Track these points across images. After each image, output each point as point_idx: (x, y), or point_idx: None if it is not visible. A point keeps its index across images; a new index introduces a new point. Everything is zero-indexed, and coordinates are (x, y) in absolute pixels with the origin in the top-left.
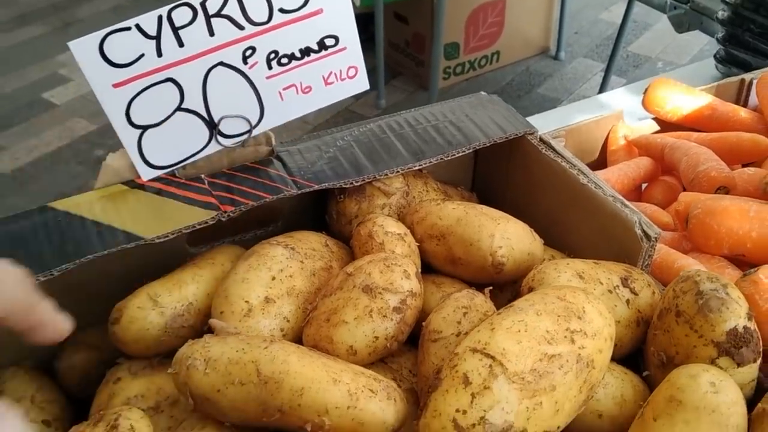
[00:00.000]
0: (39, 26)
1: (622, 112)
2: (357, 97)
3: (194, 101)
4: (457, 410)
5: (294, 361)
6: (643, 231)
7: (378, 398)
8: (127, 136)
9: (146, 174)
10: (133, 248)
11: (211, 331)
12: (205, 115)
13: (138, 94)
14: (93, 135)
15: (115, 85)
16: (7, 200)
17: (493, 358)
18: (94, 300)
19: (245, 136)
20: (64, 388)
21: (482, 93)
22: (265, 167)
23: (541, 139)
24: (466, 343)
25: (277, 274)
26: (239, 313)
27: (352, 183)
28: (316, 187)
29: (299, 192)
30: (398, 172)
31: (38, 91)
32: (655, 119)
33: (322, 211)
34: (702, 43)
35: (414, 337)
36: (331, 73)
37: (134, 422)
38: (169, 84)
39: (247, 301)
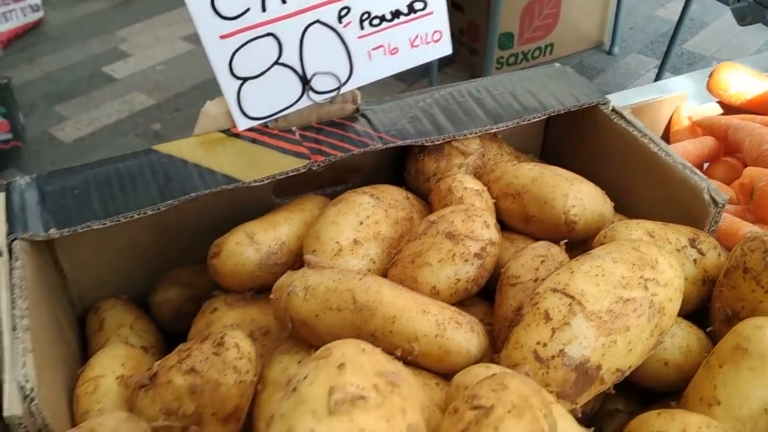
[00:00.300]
0: (101, 1)
1: (687, 94)
2: (409, 83)
3: (291, 56)
4: (538, 343)
5: (386, 292)
6: (711, 197)
7: (463, 330)
8: (228, 86)
9: (242, 124)
10: (224, 194)
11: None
12: (299, 70)
13: (241, 46)
14: (151, 109)
15: (222, 37)
16: None
17: (572, 297)
18: (186, 241)
19: (334, 93)
20: (156, 321)
21: (557, 64)
22: (351, 123)
23: (613, 110)
24: (546, 284)
25: (364, 219)
26: (330, 252)
27: (432, 141)
28: (400, 143)
29: (384, 147)
30: (476, 133)
31: (99, 65)
32: (719, 103)
33: (398, 170)
34: (759, 44)
35: (485, 290)
36: (417, 36)
37: (239, 341)
38: (270, 38)
39: (337, 242)
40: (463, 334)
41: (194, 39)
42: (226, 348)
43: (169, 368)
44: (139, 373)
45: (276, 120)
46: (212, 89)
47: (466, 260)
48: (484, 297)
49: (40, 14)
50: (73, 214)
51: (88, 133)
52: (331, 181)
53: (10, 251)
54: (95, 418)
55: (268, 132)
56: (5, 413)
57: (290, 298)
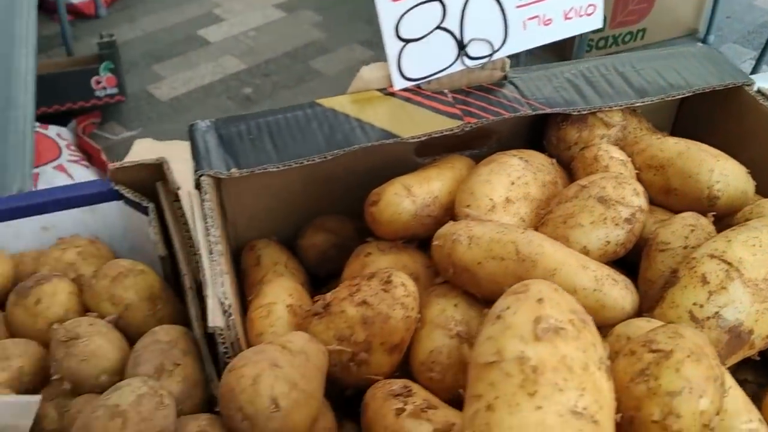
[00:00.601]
0: None
1: None
2: None
3: (453, 21)
4: (694, 304)
5: (548, 246)
6: None
7: (619, 287)
8: (392, 47)
9: (399, 84)
10: (368, 149)
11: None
12: (458, 35)
13: (409, 9)
14: (242, 73)
15: (394, 0)
16: (165, 125)
17: (729, 264)
18: (333, 191)
19: (486, 60)
20: (302, 263)
21: (699, 44)
22: (500, 89)
23: (758, 91)
24: (702, 250)
25: (515, 180)
26: (484, 208)
27: (579, 111)
28: (549, 110)
29: (533, 113)
30: (621, 106)
31: (194, 28)
32: None
33: (533, 136)
34: None
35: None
36: (572, 8)
37: (404, 280)
38: (437, 3)
39: (491, 199)
40: (619, 290)
41: (285, 7)
42: (394, 286)
43: (342, 300)
44: (301, 303)
45: (429, 82)
46: (300, 56)
47: (616, 224)
48: None
49: None
50: (250, 157)
51: (183, 93)
52: (466, 144)
53: (198, 185)
54: (284, 336)
55: (422, 93)
56: (209, 324)
57: (454, 246)
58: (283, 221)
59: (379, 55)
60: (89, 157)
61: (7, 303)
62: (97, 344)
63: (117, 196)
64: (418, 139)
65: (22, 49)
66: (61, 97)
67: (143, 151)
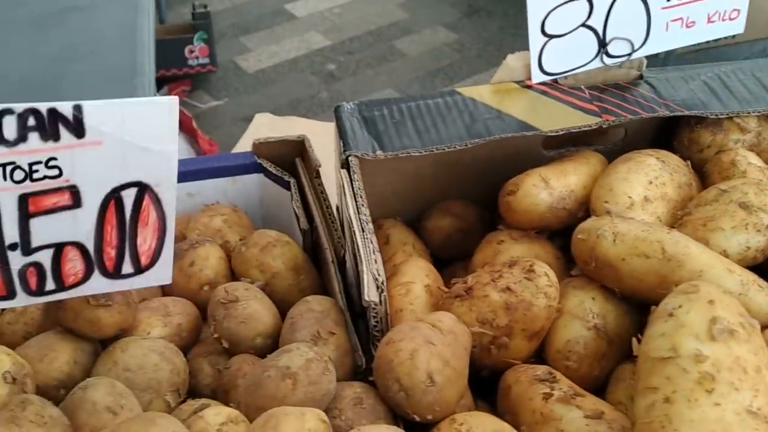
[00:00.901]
0: None
1: None
2: None
3: (598, 20)
4: None
5: (693, 247)
6: None
7: (764, 293)
8: (535, 41)
9: (537, 77)
10: (500, 140)
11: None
12: (600, 33)
13: (558, 6)
14: (327, 50)
15: None
16: (250, 97)
17: None
18: (460, 177)
19: (625, 58)
20: (426, 245)
21: None
22: (636, 88)
23: None
24: None
25: (653, 179)
26: (622, 205)
27: (717, 115)
28: (686, 112)
29: (671, 114)
30: (760, 112)
31: (281, 2)
32: None
33: (658, 136)
34: None
35: None
36: (716, 12)
37: (547, 270)
38: (584, 2)
39: (629, 197)
40: (764, 296)
41: None
42: (538, 275)
43: (484, 284)
44: (437, 284)
45: (566, 77)
46: (384, 36)
47: (758, 230)
48: None
49: None
50: (394, 140)
51: (269, 65)
52: (591, 140)
53: (347, 165)
54: (433, 314)
55: (559, 87)
56: (365, 298)
57: (599, 241)
58: (409, 203)
59: (463, 40)
60: (180, 123)
61: None
62: (254, 308)
63: (259, 168)
64: (557, 133)
65: (145, 18)
66: (157, 65)
67: (263, 124)
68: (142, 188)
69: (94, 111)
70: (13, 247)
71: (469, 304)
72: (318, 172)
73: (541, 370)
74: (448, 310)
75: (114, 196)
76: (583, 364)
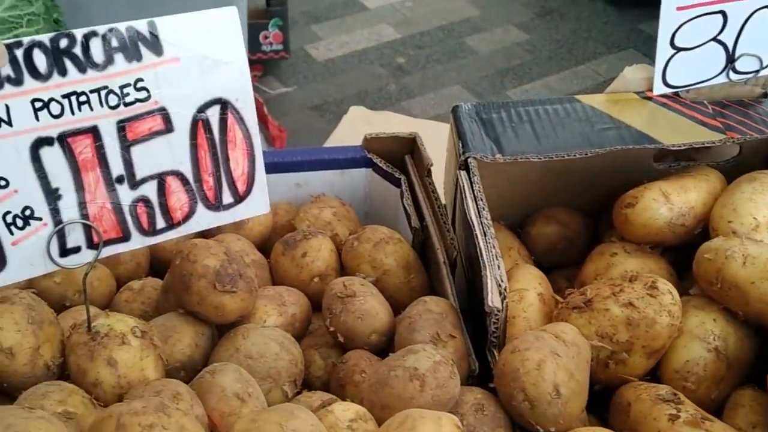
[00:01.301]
0: None
1: None
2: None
3: (730, 35)
4: None
5: None
6: None
7: None
8: (663, 54)
9: (659, 89)
10: (612, 152)
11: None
12: (730, 48)
13: (691, 19)
14: (397, 42)
15: (679, 8)
16: (318, 85)
17: None
18: (568, 185)
19: (752, 75)
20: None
21: None
22: (760, 106)
23: None
24: None
25: None
26: (747, 226)
27: None
28: None
29: None
30: None
31: None
32: None
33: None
34: None
35: None
36: None
37: (670, 288)
38: (718, 16)
39: (754, 218)
40: None
41: None
42: (661, 292)
43: (605, 297)
44: (549, 293)
45: (687, 91)
46: (455, 32)
47: None
48: None
49: None
50: (512, 144)
51: (338, 55)
52: (704, 155)
53: (466, 167)
54: (555, 325)
55: (681, 101)
56: (489, 303)
57: (727, 262)
58: (512, 207)
59: (534, 41)
60: None
61: (273, 251)
62: (371, 304)
63: (368, 163)
64: (680, 148)
65: (241, 2)
66: None
67: (357, 117)
68: (224, 106)
69: (166, 26)
70: (120, 180)
71: (589, 317)
72: (429, 171)
73: (663, 389)
74: (564, 321)
75: (200, 118)
76: (702, 387)
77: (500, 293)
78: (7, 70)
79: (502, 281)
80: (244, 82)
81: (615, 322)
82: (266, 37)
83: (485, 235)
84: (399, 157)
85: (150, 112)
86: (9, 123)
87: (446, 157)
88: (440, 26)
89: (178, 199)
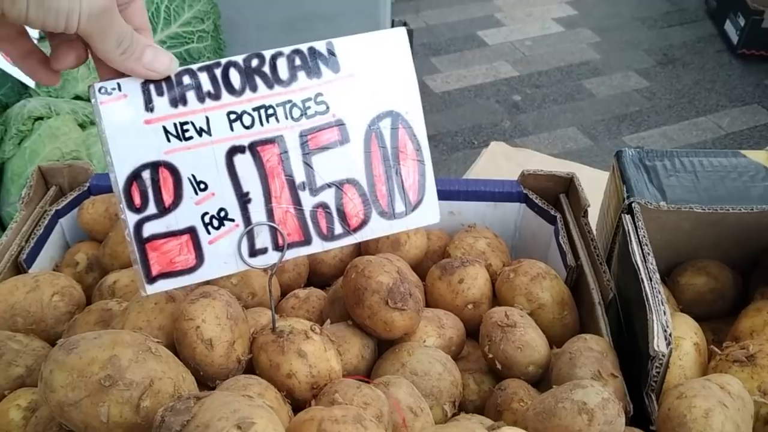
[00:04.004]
0: None
1: None
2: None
3: None
4: None
5: None
6: None
7: None
8: None
9: None
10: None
11: None
12: None
13: None
14: (514, 80)
15: None
16: (433, 116)
17: None
18: (720, 237)
19: None
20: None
21: None
22: None
23: None
24: None
25: None
26: None
27: None
28: None
29: None
30: None
31: (474, 28)
32: None
33: None
34: None
35: None
36: None
37: None
38: None
39: None
40: None
41: (565, 22)
42: None
43: None
44: (704, 343)
45: None
46: (574, 74)
47: None
48: None
49: None
50: (676, 193)
51: (455, 88)
52: None
53: (630, 211)
54: (719, 376)
55: None
56: (654, 347)
57: None
58: (660, 254)
59: (654, 88)
60: None
61: (429, 275)
62: (531, 336)
63: (522, 198)
64: None
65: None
66: None
67: (497, 152)
68: (395, 118)
69: (342, 46)
70: (302, 186)
71: (751, 372)
72: (586, 212)
73: None
74: (723, 373)
75: (374, 130)
76: None
77: (665, 338)
78: (208, 87)
79: (667, 327)
80: (413, 96)
81: None
82: None
83: (651, 280)
84: (553, 195)
85: (328, 124)
86: (209, 132)
87: (603, 200)
88: (559, 67)
89: (354, 206)
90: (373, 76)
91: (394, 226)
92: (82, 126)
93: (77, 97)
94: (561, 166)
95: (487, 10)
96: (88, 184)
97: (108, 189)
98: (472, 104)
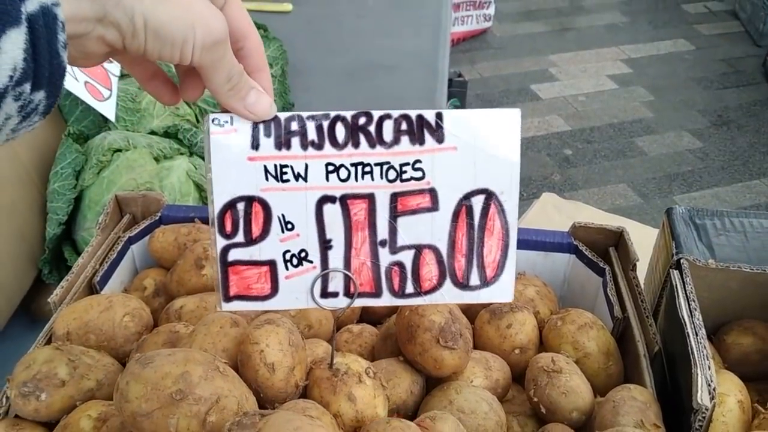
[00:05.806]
0: (541, 24)
1: None
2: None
3: None
4: None
5: None
6: None
7: None
8: None
9: None
10: None
11: None
12: None
13: None
14: (565, 135)
15: None
16: None
17: None
18: (765, 300)
19: None
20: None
21: None
22: None
23: None
24: None
25: None
26: None
27: None
28: None
29: None
30: None
31: (528, 82)
32: None
33: None
34: None
35: None
36: None
37: None
38: None
39: None
40: None
41: (619, 79)
42: None
43: None
44: (748, 401)
45: None
46: (626, 131)
47: None
48: None
49: (489, 24)
50: (725, 251)
51: None
52: None
53: (679, 267)
54: None
55: None
56: (698, 401)
57: None
58: (706, 313)
59: (707, 149)
60: None
61: (478, 318)
62: (576, 383)
63: (573, 250)
64: None
65: (443, 83)
66: None
67: (548, 203)
68: (489, 196)
69: (451, 118)
70: (383, 243)
71: None
72: (635, 266)
73: None
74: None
75: (465, 203)
76: None
77: (709, 392)
78: (313, 136)
79: (711, 381)
80: (512, 178)
81: None
82: None
83: (696, 335)
84: (603, 248)
85: (421, 191)
86: (305, 179)
87: (651, 255)
88: (611, 123)
89: (430, 270)
90: (476, 152)
91: (464, 296)
92: (157, 159)
93: (152, 132)
94: (611, 221)
95: (541, 64)
96: (159, 214)
97: (178, 220)
98: (524, 157)
